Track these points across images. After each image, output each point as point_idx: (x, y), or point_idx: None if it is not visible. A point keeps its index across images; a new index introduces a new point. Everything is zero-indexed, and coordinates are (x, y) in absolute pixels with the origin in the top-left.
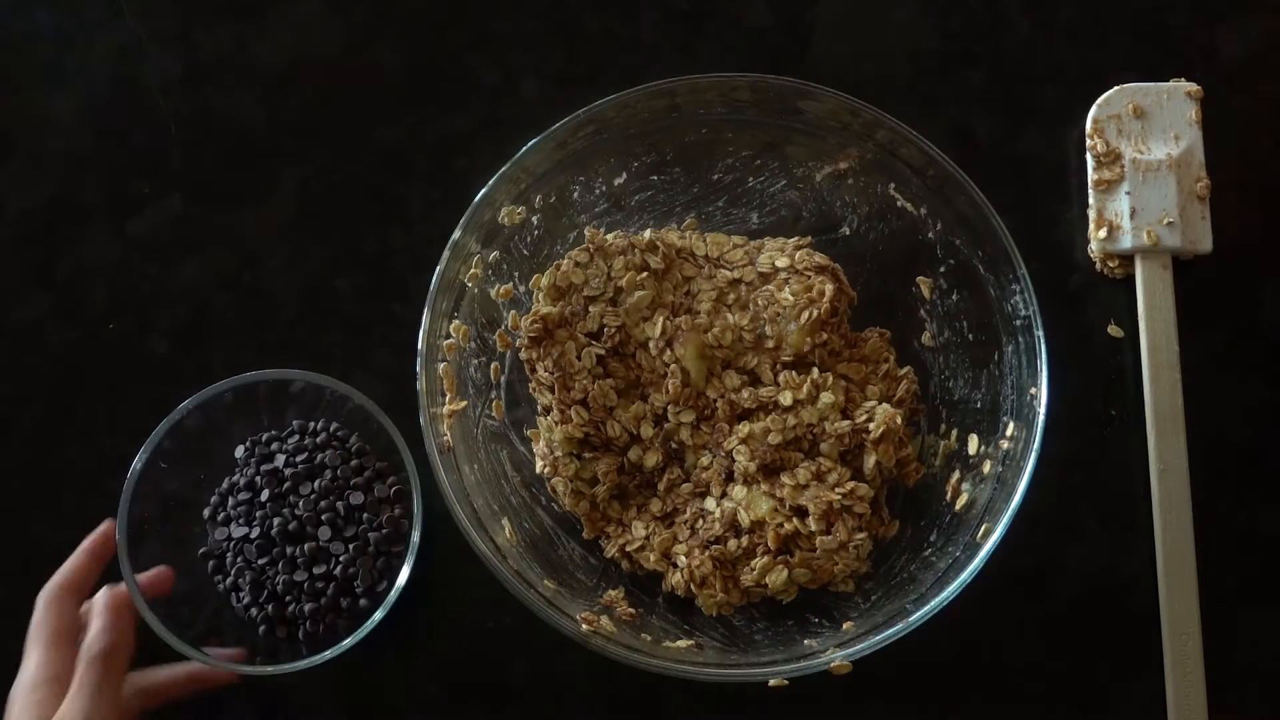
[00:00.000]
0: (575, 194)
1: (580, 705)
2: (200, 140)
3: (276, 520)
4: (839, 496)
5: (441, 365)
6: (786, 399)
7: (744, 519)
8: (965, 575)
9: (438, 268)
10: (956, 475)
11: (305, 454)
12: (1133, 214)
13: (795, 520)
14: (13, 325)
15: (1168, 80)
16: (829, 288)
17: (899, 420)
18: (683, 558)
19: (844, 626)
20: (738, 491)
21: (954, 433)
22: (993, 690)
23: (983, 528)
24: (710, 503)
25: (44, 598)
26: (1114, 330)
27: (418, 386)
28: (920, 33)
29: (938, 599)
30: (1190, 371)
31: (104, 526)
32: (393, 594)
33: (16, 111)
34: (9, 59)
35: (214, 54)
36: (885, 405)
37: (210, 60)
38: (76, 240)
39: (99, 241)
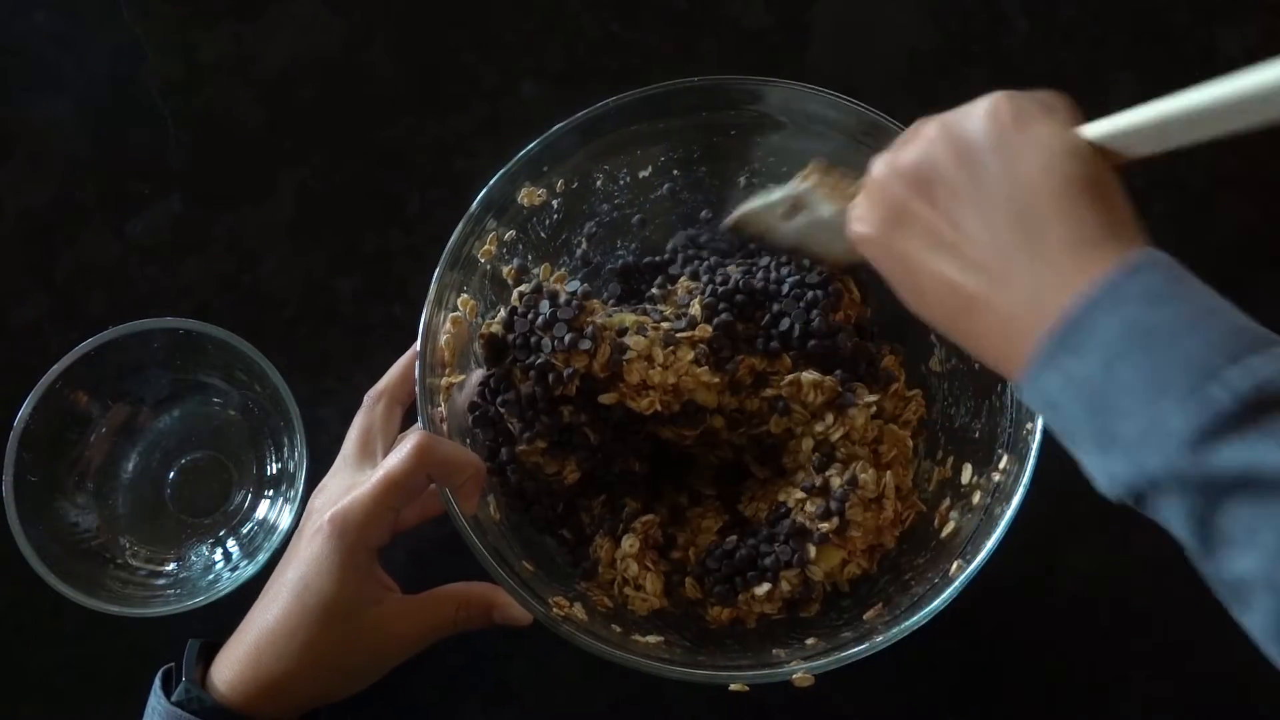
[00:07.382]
0: (599, 182)
1: (580, 705)
2: (200, 140)
3: None
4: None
5: (444, 337)
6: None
7: (815, 574)
8: (939, 602)
9: (451, 238)
10: (946, 503)
11: None
12: None
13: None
14: (13, 325)
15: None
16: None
17: (908, 443)
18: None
19: (807, 641)
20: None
21: (949, 460)
22: (992, 690)
23: (963, 556)
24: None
25: (366, 397)
26: None
27: (418, 357)
28: (920, 33)
29: (910, 621)
30: None
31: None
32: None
33: (16, 113)
34: (8, 60)
35: (213, 54)
36: (891, 426)
37: (209, 61)
38: (76, 241)
39: (99, 242)
